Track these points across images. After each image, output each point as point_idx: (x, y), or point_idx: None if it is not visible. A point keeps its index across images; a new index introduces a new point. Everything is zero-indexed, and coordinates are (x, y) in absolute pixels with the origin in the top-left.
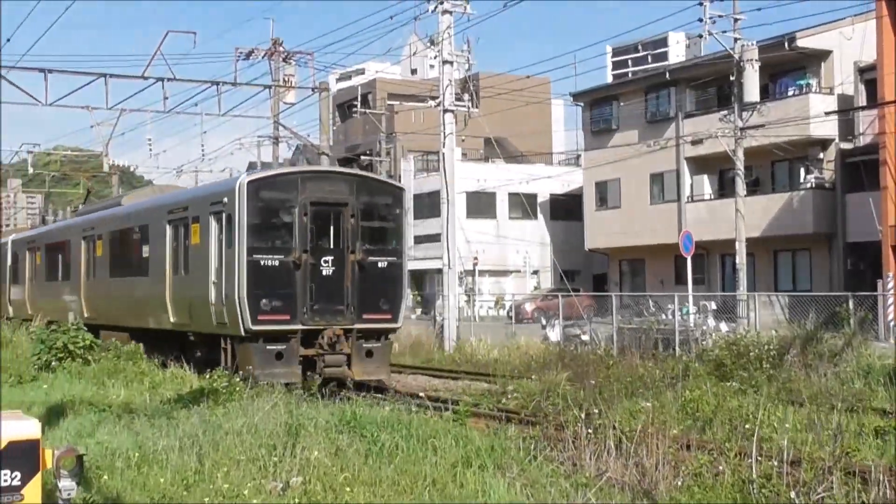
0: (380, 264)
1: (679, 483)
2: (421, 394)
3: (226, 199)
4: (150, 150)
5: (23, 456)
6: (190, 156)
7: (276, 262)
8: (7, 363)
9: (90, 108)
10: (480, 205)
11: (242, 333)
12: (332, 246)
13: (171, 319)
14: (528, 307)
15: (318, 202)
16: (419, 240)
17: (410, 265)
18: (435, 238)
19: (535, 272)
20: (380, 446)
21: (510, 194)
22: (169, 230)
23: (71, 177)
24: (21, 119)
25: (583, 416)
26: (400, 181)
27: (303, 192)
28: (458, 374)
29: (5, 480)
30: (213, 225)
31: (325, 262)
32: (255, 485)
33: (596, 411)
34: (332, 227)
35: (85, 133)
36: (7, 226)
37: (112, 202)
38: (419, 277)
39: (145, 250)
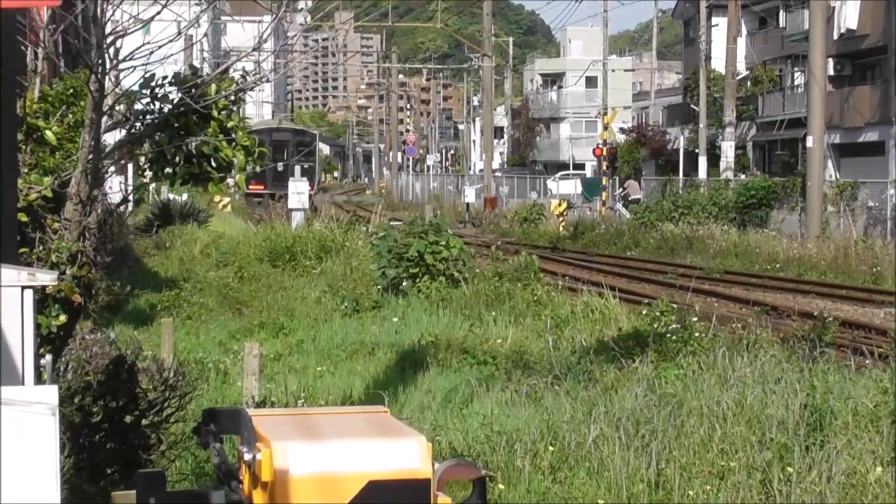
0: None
1: None
2: None
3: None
4: None
5: None
6: None
7: None
8: (339, 281)
9: None
10: None
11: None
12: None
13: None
14: None
15: (275, 140)
16: None
17: None
18: None
19: None
20: None
21: None
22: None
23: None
24: None
25: None
26: None
27: (268, 137)
28: None
29: None
30: None
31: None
32: None
33: None
34: (284, 151)
35: None
36: (338, 77)
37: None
38: None
39: None
